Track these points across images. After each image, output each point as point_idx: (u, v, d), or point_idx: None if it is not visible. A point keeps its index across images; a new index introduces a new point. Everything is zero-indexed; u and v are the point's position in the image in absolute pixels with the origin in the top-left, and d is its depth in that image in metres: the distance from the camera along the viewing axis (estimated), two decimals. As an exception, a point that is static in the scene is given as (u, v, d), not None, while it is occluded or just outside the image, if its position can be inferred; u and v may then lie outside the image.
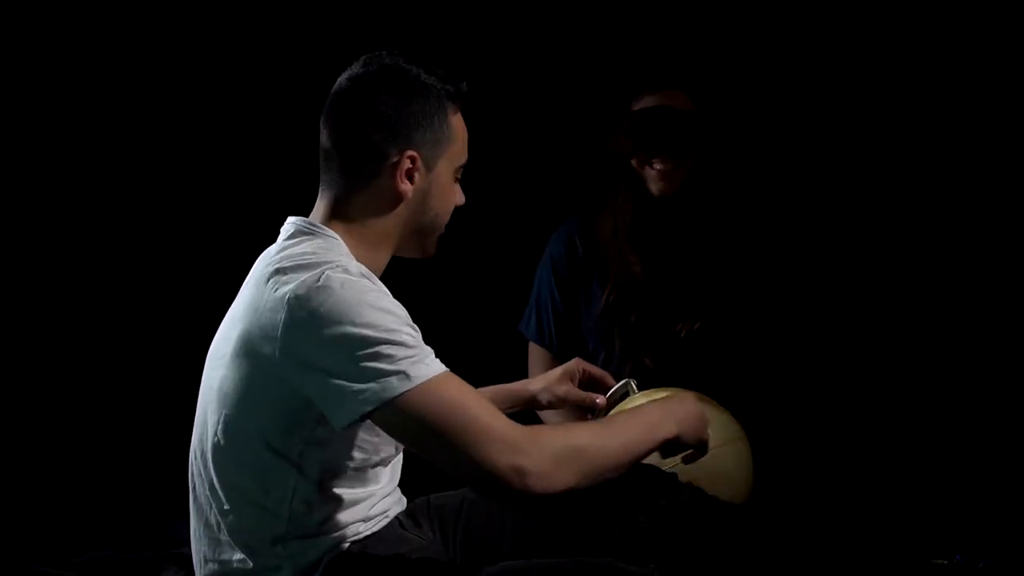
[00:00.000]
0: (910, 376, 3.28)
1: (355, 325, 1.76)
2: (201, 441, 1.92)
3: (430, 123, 1.94)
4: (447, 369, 1.82)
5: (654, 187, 2.76)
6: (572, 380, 2.36)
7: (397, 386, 1.76)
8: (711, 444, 2.09)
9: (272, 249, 1.97)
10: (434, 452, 1.80)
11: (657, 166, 2.73)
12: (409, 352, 1.78)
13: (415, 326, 1.84)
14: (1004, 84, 3.24)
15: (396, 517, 2.02)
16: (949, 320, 3.28)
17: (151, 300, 3.73)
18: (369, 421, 1.81)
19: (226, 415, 1.86)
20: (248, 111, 3.64)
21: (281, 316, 1.79)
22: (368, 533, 1.94)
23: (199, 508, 1.94)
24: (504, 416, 1.83)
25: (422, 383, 1.77)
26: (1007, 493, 3.06)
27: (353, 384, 1.76)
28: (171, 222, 3.71)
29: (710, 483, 2.16)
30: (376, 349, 1.76)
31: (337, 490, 1.89)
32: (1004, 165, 3.26)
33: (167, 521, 3.33)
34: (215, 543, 1.91)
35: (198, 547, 1.95)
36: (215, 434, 1.88)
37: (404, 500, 2.08)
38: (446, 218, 2.03)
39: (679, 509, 1.98)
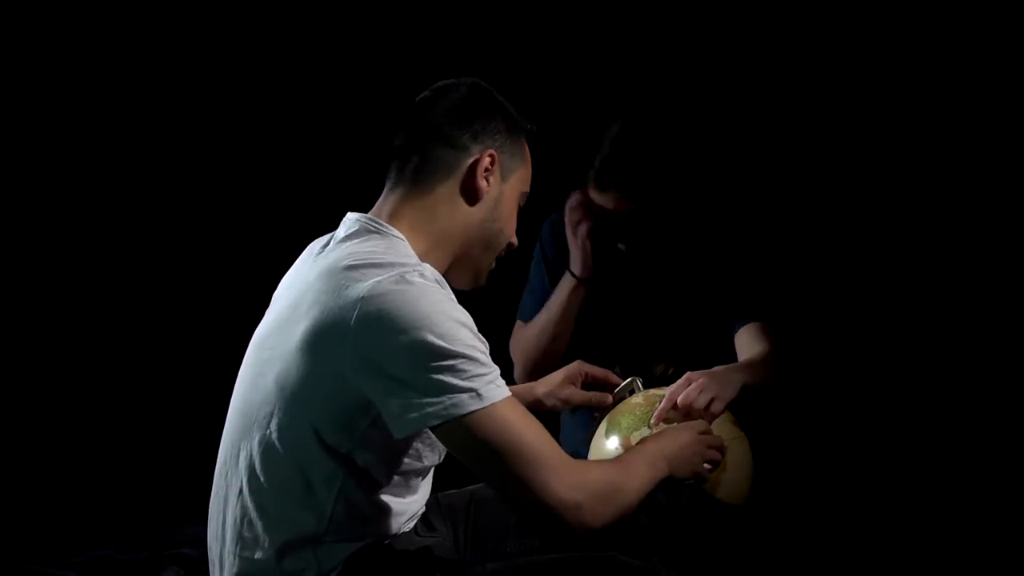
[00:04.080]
0: (909, 376, 3.29)
1: (432, 334, 1.75)
2: (245, 434, 1.89)
3: (510, 134, 1.97)
4: (511, 393, 1.82)
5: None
6: (574, 383, 2.37)
7: (468, 404, 1.75)
8: None
9: (330, 243, 1.95)
10: (492, 474, 1.81)
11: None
12: (482, 370, 1.78)
13: (484, 340, 1.83)
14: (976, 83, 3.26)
15: (413, 530, 2.01)
16: (947, 320, 3.29)
17: (152, 303, 3.73)
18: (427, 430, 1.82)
19: (283, 408, 1.84)
20: (274, 112, 3.65)
21: (354, 314, 1.76)
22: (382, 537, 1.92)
23: (226, 501, 1.92)
24: (559, 447, 1.85)
25: (491, 404, 1.77)
26: (1007, 493, 3.07)
27: (422, 396, 1.75)
28: (173, 223, 3.72)
29: (709, 483, 2.16)
30: (450, 362, 1.75)
31: (380, 495, 1.89)
32: (985, 164, 3.28)
33: (167, 521, 3.34)
34: (239, 538, 1.89)
35: (219, 540, 1.93)
36: (267, 427, 1.85)
37: (423, 507, 2.06)
38: (505, 242, 2.02)
39: (678, 507, 1.99)
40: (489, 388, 1.77)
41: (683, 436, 2.10)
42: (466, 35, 3.52)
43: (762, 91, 3.42)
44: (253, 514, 1.87)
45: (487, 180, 1.94)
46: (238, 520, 1.89)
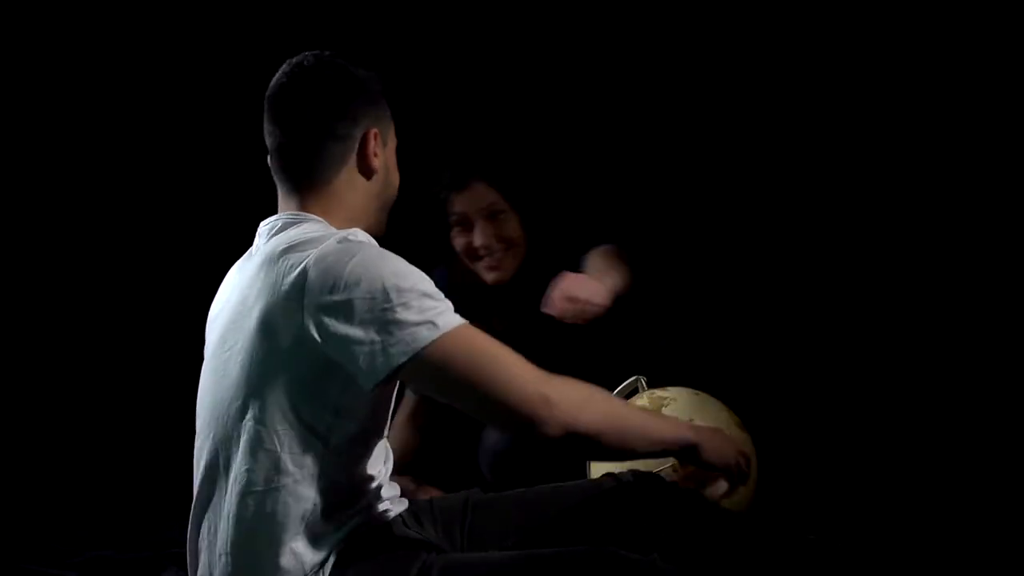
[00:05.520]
0: (910, 377, 3.29)
1: (380, 277, 1.81)
2: (222, 435, 1.91)
3: (378, 103, 2.04)
4: (467, 322, 1.86)
5: (486, 278, 2.73)
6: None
7: (425, 336, 1.80)
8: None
9: (254, 250, 2.00)
10: (463, 396, 1.84)
11: (484, 257, 2.71)
12: (433, 304, 1.83)
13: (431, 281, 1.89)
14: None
15: (399, 515, 2.02)
16: (946, 321, 3.30)
17: (154, 304, 3.73)
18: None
19: (254, 396, 1.86)
20: (233, 113, 3.64)
21: (304, 280, 1.82)
22: (375, 525, 1.95)
23: (213, 504, 1.93)
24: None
25: (449, 331, 1.81)
26: (1007, 493, 3.07)
27: (382, 340, 1.79)
28: (175, 226, 3.72)
29: (711, 485, 2.17)
30: (403, 300, 1.80)
31: (359, 466, 1.92)
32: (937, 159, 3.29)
33: (167, 521, 3.33)
34: (234, 538, 1.90)
35: (210, 542, 1.94)
36: (243, 420, 1.87)
37: (405, 500, 2.08)
38: (396, 194, 2.11)
39: (678, 506, 2.01)
40: (443, 317, 1.82)
41: (721, 432, 2.13)
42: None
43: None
44: (239, 512, 1.89)
45: (376, 154, 2.02)
46: (232, 519, 1.90)
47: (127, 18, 3.62)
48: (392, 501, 2.00)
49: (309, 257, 1.84)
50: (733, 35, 3.40)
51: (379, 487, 1.97)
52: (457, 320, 1.84)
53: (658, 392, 2.31)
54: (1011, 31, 3.22)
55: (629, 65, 3.48)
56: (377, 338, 1.79)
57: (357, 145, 2.01)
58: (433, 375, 1.82)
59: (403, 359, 1.79)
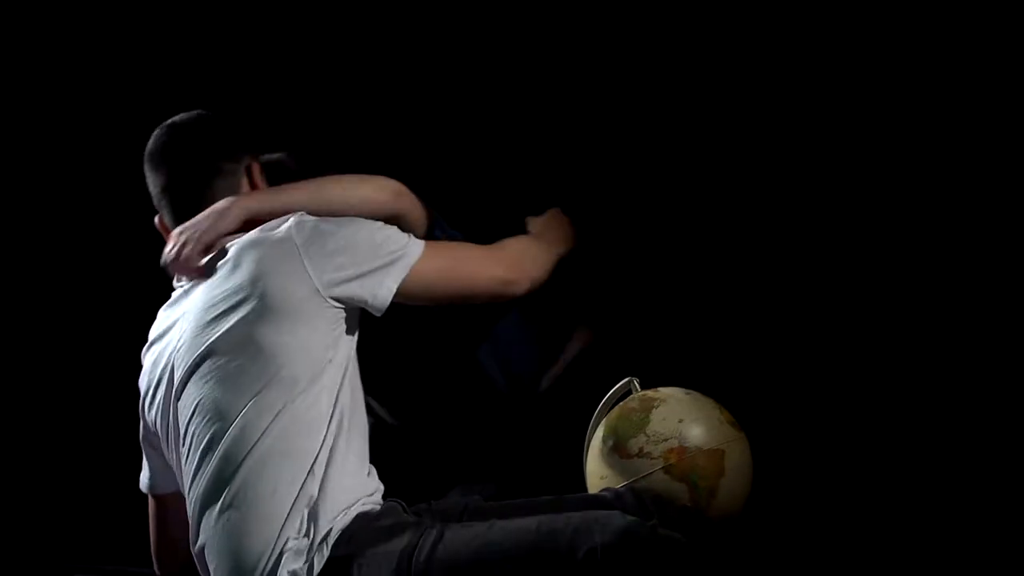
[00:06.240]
0: (907, 376, 3.29)
1: (355, 225, 2.15)
2: (228, 426, 2.00)
3: (251, 144, 2.34)
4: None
5: None
6: None
7: (414, 250, 2.15)
8: (706, 447, 2.19)
9: (179, 293, 2.23)
10: (450, 294, 2.23)
11: None
12: (401, 232, 2.18)
13: None
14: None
15: (398, 504, 2.07)
16: (946, 320, 3.29)
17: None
18: None
19: (275, 355, 2.04)
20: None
21: (294, 249, 2.07)
22: (373, 506, 2.02)
23: (215, 485, 2.00)
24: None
25: (424, 246, 2.17)
26: (1006, 494, 3.07)
27: (382, 267, 2.11)
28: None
29: (708, 487, 2.17)
30: (384, 233, 2.15)
31: (354, 434, 2.08)
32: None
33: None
34: (222, 524, 1.97)
35: (208, 518, 2.00)
36: (262, 382, 2.02)
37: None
38: None
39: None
40: (414, 239, 2.18)
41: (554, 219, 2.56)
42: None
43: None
44: (245, 503, 1.96)
45: (263, 182, 2.31)
46: (237, 495, 1.97)
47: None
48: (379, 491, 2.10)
49: (288, 230, 2.09)
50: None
51: (368, 470, 2.09)
52: (422, 240, 2.19)
53: (649, 393, 2.31)
54: (1011, 31, 3.21)
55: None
56: (379, 264, 2.11)
57: (244, 179, 2.28)
58: (426, 284, 2.16)
59: (403, 274, 2.12)
